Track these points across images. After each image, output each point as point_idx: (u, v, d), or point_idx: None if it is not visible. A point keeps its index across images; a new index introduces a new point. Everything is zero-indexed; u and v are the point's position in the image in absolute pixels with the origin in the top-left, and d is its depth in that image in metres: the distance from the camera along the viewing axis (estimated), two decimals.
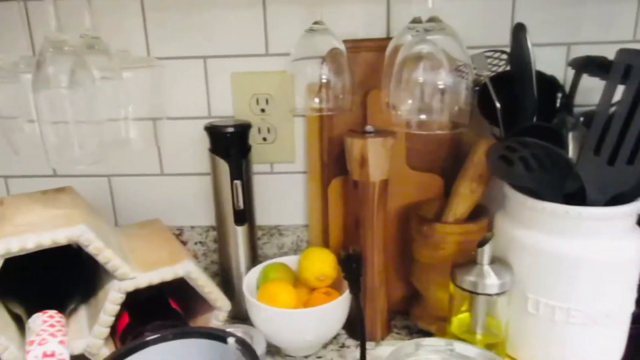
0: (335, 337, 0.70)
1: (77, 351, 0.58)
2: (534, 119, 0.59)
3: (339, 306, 0.64)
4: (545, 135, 0.51)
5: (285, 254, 0.82)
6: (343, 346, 0.69)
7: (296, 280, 0.71)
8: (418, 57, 0.56)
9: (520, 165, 0.54)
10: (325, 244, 0.77)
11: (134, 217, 0.82)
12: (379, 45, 0.68)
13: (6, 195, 0.83)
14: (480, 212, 0.66)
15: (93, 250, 0.55)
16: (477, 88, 0.64)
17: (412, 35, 0.56)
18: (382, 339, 0.70)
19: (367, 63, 0.71)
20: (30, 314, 0.53)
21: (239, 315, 0.72)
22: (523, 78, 0.57)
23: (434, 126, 0.56)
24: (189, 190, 0.81)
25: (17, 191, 0.83)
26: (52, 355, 0.45)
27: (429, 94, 0.55)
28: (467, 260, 0.58)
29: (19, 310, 0.56)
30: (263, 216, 0.81)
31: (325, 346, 0.69)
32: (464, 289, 0.57)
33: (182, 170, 0.81)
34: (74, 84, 0.55)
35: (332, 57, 0.65)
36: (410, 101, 0.56)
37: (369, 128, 0.65)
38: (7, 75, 0.63)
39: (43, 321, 0.49)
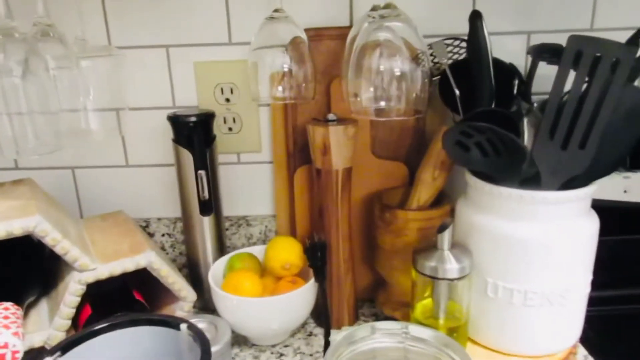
0: (303, 326, 0.71)
1: (37, 344, 0.57)
2: (492, 106, 0.60)
3: (303, 294, 0.64)
4: (500, 121, 0.52)
5: (254, 244, 0.82)
6: (310, 334, 0.70)
7: (263, 270, 0.71)
8: (375, 45, 0.56)
9: (476, 150, 0.54)
10: (293, 233, 0.77)
11: (100, 209, 0.81)
12: (342, 33, 0.68)
13: None
14: (443, 199, 0.67)
15: (50, 242, 0.55)
16: (437, 76, 0.65)
17: (369, 22, 0.56)
18: (350, 325, 0.71)
19: (330, 51, 0.71)
20: None
21: (208, 306, 0.72)
22: (480, 65, 0.58)
23: (392, 113, 0.56)
24: (154, 182, 0.81)
25: None
26: (5, 346, 0.44)
27: (386, 82, 0.56)
28: (427, 246, 0.59)
29: None
30: (231, 207, 0.80)
31: (293, 334, 0.69)
32: (425, 275, 0.58)
33: (148, 161, 0.80)
34: (27, 72, 0.54)
35: (293, 45, 0.65)
36: (369, 89, 0.56)
37: (331, 116, 0.65)
38: None
39: None
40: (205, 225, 0.72)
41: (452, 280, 0.57)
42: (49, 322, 0.59)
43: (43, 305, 0.62)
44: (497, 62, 0.61)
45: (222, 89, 0.75)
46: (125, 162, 0.80)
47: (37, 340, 0.57)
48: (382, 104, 0.55)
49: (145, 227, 0.82)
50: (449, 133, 0.52)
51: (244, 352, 0.66)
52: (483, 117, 0.55)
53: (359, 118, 0.58)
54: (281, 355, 0.66)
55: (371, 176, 0.72)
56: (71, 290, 0.57)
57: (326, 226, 0.67)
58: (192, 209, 0.71)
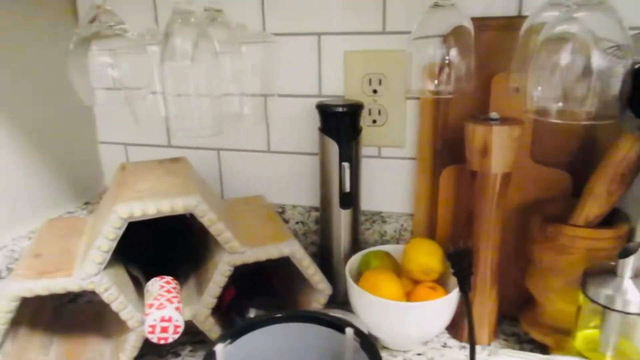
0: (436, 335, 0.67)
1: (185, 318, 0.59)
2: None
3: (447, 304, 0.60)
4: None
5: (387, 242, 0.79)
6: (445, 346, 0.65)
7: (399, 270, 0.68)
8: (563, 37, 0.49)
9: None
10: (430, 235, 0.73)
11: (239, 191, 0.84)
12: (509, 23, 0.62)
13: (126, 160, 0.89)
14: (617, 218, 0.59)
15: (207, 222, 0.56)
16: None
17: (558, 11, 0.50)
18: (488, 344, 0.66)
19: (492, 44, 0.65)
20: (147, 277, 0.55)
21: (335, 299, 0.70)
22: None
23: (576, 116, 0.49)
24: (294, 169, 0.81)
25: (134, 157, 0.88)
26: (169, 320, 0.46)
27: (574, 79, 0.49)
28: (602, 270, 0.52)
29: (137, 273, 0.58)
30: (366, 201, 0.78)
31: (425, 343, 0.66)
32: (597, 303, 0.51)
33: (289, 148, 0.80)
34: (197, 56, 0.55)
35: (456, 36, 0.60)
36: (550, 87, 0.50)
37: (493, 115, 0.60)
38: (134, 46, 0.65)
39: (160, 286, 0.51)
40: (342, 218, 0.70)
41: (631, 314, 0.49)
42: (197, 297, 0.61)
43: (190, 281, 0.64)
44: None
45: (370, 80, 0.73)
46: (267, 148, 0.81)
47: (185, 314, 0.59)
48: (568, 105, 0.48)
49: (280, 212, 0.83)
50: None
51: None
52: None
53: (536, 119, 0.52)
54: None
55: (528, 183, 0.65)
56: (220, 271, 0.58)
57: (475, 233, 0.62)
58: (332, 201, 0.70)
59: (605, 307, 0.50)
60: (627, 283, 0.50)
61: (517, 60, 0.57)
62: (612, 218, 0.58)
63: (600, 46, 0.48)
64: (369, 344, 0.38)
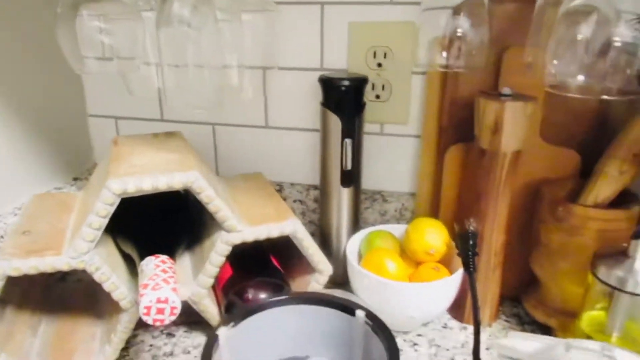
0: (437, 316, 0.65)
1: (181, 298, 0.57)
2: None
3: (451, 284, 0.59)
4: None
5: (387, 221, 0.77)
6: (445, 327, 0.64)
7: (401, 251, 0.66)
8: (586, 8, 0.47)
9: None
10: (434, 215, 0.71)
11: (235, 168, 0.81)
12: None
13: (116, 135, 0.85)
14: (627, 199, 0.57)
15: (204, 199, 0.54)
16: None
17: None
18: (490, 325, 0.65)
19: (507, 16, 0.62)
20: (141, 256, 0.52)
21: (334, 279, 0.68)
22: None
23: (595, 91, 0.47)
24: (292, 146, 0.78)
25: (125, 131, 0.85)
26: (166, 301, 0.44)
27: (595, 53, 0.46)
28: (615, 252, 0.50)
29: (130, 251, 0.56)
30: (367, 179, 0.76)
31: (426, 324, 0.64)
32: (607, 284, 0.50)
33: (287, 124, 0.77)
34: (195, 22, 0.52)
35: (470, 7, 0.57)
36: (569, 61, 0.47)
37: (506, 90, 0.57)
38: (127, 12, 0.61)
39: (156, 265, 0.48)
40: (343, 197, 0.68)
41: None
42: (193, 276, 0.59)
43: (186, 260, 0.62)
44: None
45: (374, 53, 0.70)
46: (265, 123, 0.78)
47: (181, 294, 0.57)
48: (588, 79, 0.46)
49: (278, 191, 0.80)
50: None
51: None
52: None
53: (555, 92, 0.50)
54: (415, 344, 0.61)
55: (536, 162, 0.63)
56: (218, 250, 0.56)
57: (482, 213, 0.60)
58: (333, 178, 0.67)
59: (616, 288, 0.49)
60: (639, 265, 0.48)
61: (533, 33, 0.54)
62: (621, 199, 0.57)
63: (622, 19, 0.46)
64: (383, 327, 0.36)
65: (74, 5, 0.57)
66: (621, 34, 0.45)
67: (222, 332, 0.39)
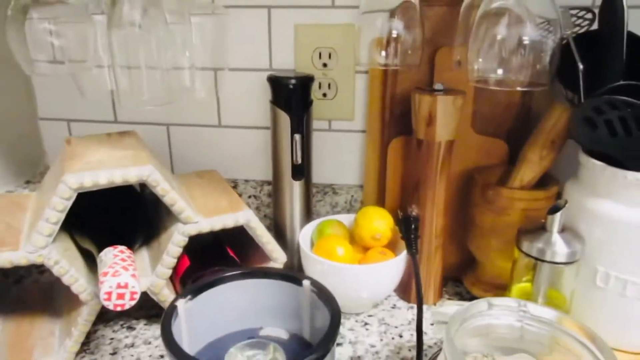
0: (385, 298, 0.70)
1: (140, 289, 0.59)
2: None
3: (396, 265, 0.63)
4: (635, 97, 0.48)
5: (338, 212, 0.81)
6: (394, 307, 0.69)
7: (351, 238, 0.71)
8: (500, 10, 0.53)
9: (605, 129, 0.51)
10: (380, 204, 0.76)
11: (190, 167, 0.83)
12: (453, 0, 0.65)
13: None
14: (547, 180, 0.64)
15: (160, 192, 0.56)
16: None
17: None
18: (434, 303, 0.70)
19: (439, 18, 0.68)
20: (99, 250, 0.54)
21: (289, 269, 0.72)
22: (613, 38, 0.54)
23: (514, 84, 0.53)
24: (245, 143, 0.81)
25: (78, 134, 0.85)
26: (126, 286, 0.46)
27: (511, 51, 0.52)
28: (534, 227, 0.57)
29: (88, 246, 0.57)
30: (318, 174, 0.80)
31: (376, 306, 0.69)
32: (530, 256, 0.56)
33: (240, 122, 0.80)
34: (146, 25, 0.55)
35: (403, 10, 0.63)
36: (489, 57, 0.53)
37: (438, 86, 0.63)
38: (77, 14, 0.63)
39: (114, 255, 0.50)
40: (295, 190, 0.72)
41: (559, 264, 0.55)
42: (151, 269, 0.61)
43: (144, 254, 0.64)
44: (628, 35, 0.56)
45: (320, 54, 0.74)
46: (218, 123, 0.81)
47: (141, 286, 0.59)
48: (505, 73, 0.52)
49: (232, 187, 0.83)
50: (581, 108, 0.49)
51: None
52: (614, 93, 0.51)
53: (478, 86, 0.55)
54: (366, 324, 0.66)
55: (469, 152, 0.69)
56: (175, 241, 0.58)
57: (421, 199, 0.65)
58: (284, 173, 0.71)
59: (537, 258, 0.55)
60: (555, 237, 0.55)
61: (459, 34, 0.60)
62: (544, 181, 0.64)
63: (533, 21, 0.52)
64: (326, 293, 0.40)
65: (24, 8, 0.58)
66: (531, 34, 0.51)
67: (180, 304, 0.41)
